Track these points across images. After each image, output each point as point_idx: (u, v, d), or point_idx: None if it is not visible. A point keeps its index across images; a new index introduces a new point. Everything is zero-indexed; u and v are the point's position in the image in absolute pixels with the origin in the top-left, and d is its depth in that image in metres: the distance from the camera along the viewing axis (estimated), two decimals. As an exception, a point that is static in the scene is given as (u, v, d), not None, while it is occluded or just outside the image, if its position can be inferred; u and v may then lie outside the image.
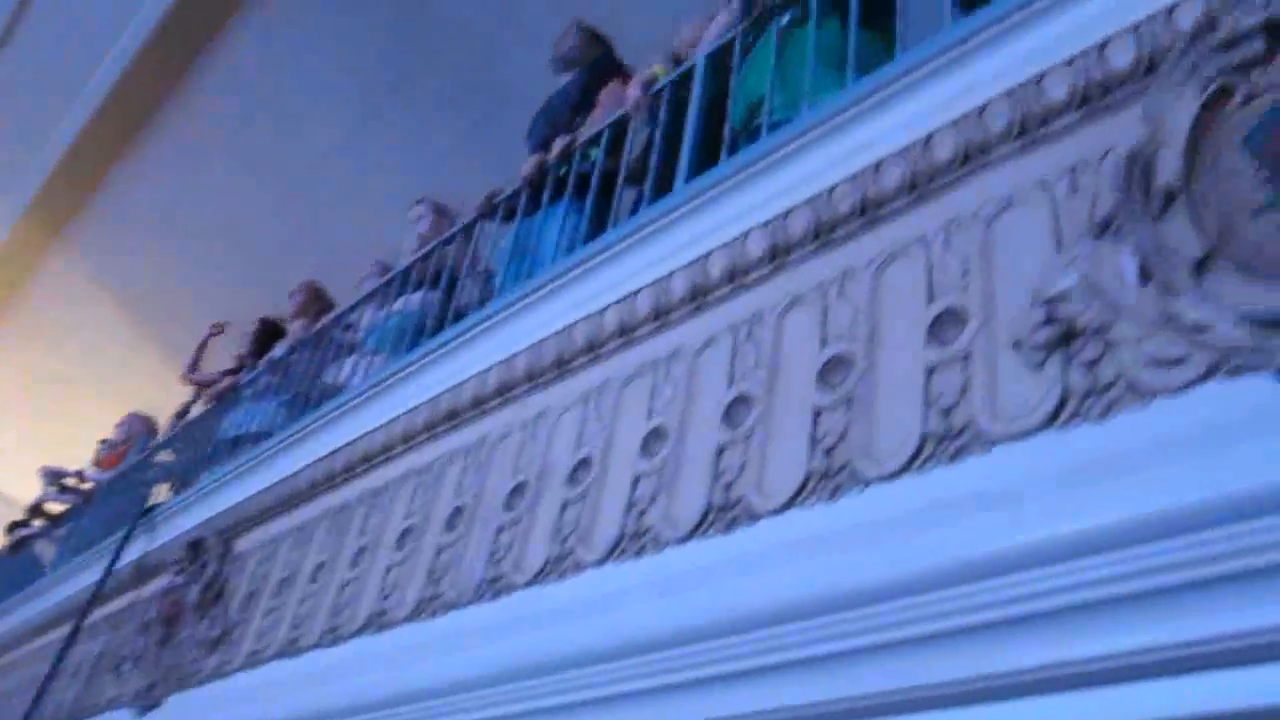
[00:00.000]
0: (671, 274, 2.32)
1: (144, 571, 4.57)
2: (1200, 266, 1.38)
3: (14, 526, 7.44)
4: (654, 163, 2.73)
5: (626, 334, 2.39)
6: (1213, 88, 1.46)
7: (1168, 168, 1.46)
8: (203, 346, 6.12)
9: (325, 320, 4.67)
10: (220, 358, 5.97)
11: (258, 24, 6.84)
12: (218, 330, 6.13)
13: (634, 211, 2.69)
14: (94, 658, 4.61)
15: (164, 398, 7.00)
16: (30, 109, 7.87)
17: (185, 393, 6.35)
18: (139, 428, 6.95)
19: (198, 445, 5.07)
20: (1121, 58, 1.66)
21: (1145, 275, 1.43)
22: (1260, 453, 1.23)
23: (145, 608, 4.32)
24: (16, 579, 6.43)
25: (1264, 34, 1.41)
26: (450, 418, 2.87)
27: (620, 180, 2.98)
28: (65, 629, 4.82)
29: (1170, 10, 1.62)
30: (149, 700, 3.69)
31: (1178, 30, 1.58)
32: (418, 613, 2.54)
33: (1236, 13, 1.45)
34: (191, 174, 7.82)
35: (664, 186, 2.62)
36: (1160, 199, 1.46)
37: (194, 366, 6.05)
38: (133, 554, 4.71)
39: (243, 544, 3.87)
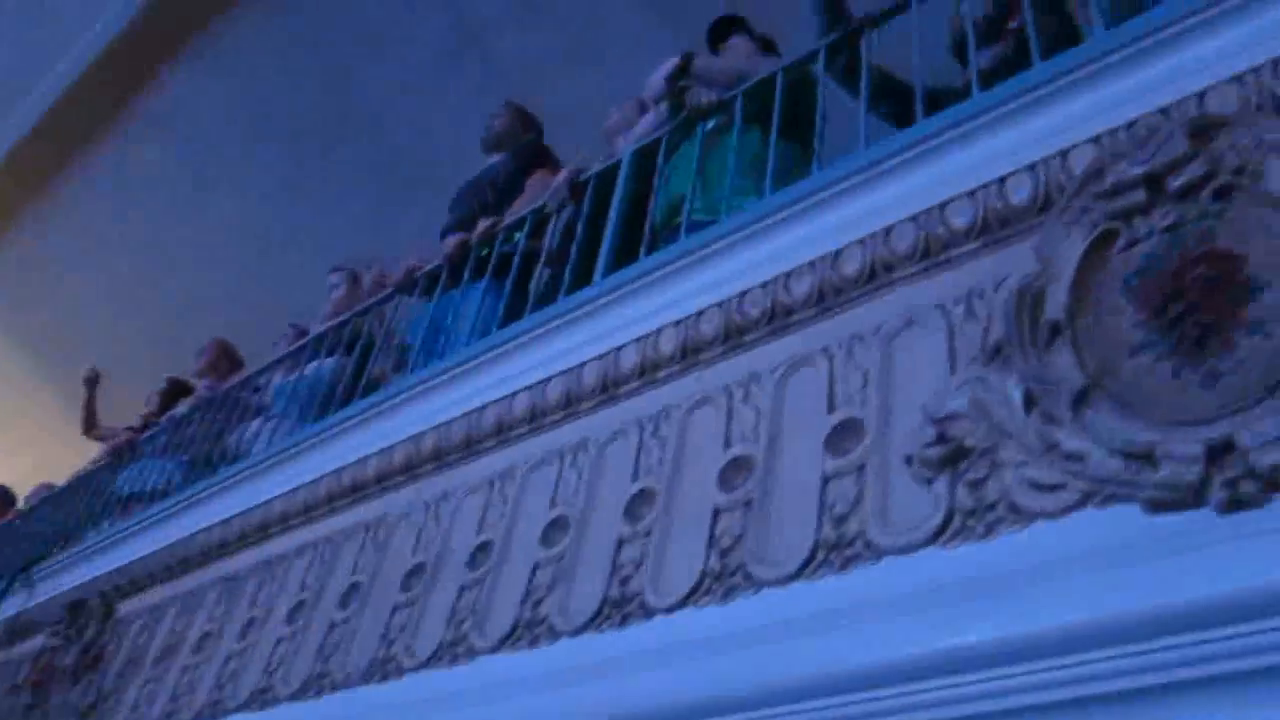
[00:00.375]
0: (584, 364, 2.36)
1: (18, 630, 4.39)
2: (1080, 399, 1.45)
3: None
4: (574, 251, 2.78)
5: (535, 420, 2.41)
6: (1099, 231, 1.56)
7: (1055, 302, 1.55)
8: (90, 401, 5.89)
9: (233, 381, 4.60)
10: (130, 415, 5.78)
11: (186, 79, 6.83)
12: (93, 378, 5.88)
13: (551, 298, 2.73)
14: (-45, 719, 4.39)
15: (60, 450, 6.79)
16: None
17: (81, 444, 6.14)
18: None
19: (89, 500, 4.91)
20: (1020, 194, 1.76)
21: (1030, 403, 1.50)
22: (1127, 581, 1.29)
23: (16, 669, 4.14)
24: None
25: (1144, 185, 1.51)
26: (353, 492, 2.85)
27: (541, 263, 3.03)
28: (-73, 687, 4.58)
29: (1065, 154, 1.73)
30: (11, 768, 3.53)
31: (1071, 173, 1.69)
32: (304, 691, 2.48)
33: (1122, 163, 1.56)
34: (106, 222, 7.69)
35: (583, 275, 2.66)
36: (1047, 332, 1.54)
37: (91, 424, 5.85)
38: (8, 610, 4.52)
39: (126, 608, 3.75)
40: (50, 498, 5.57)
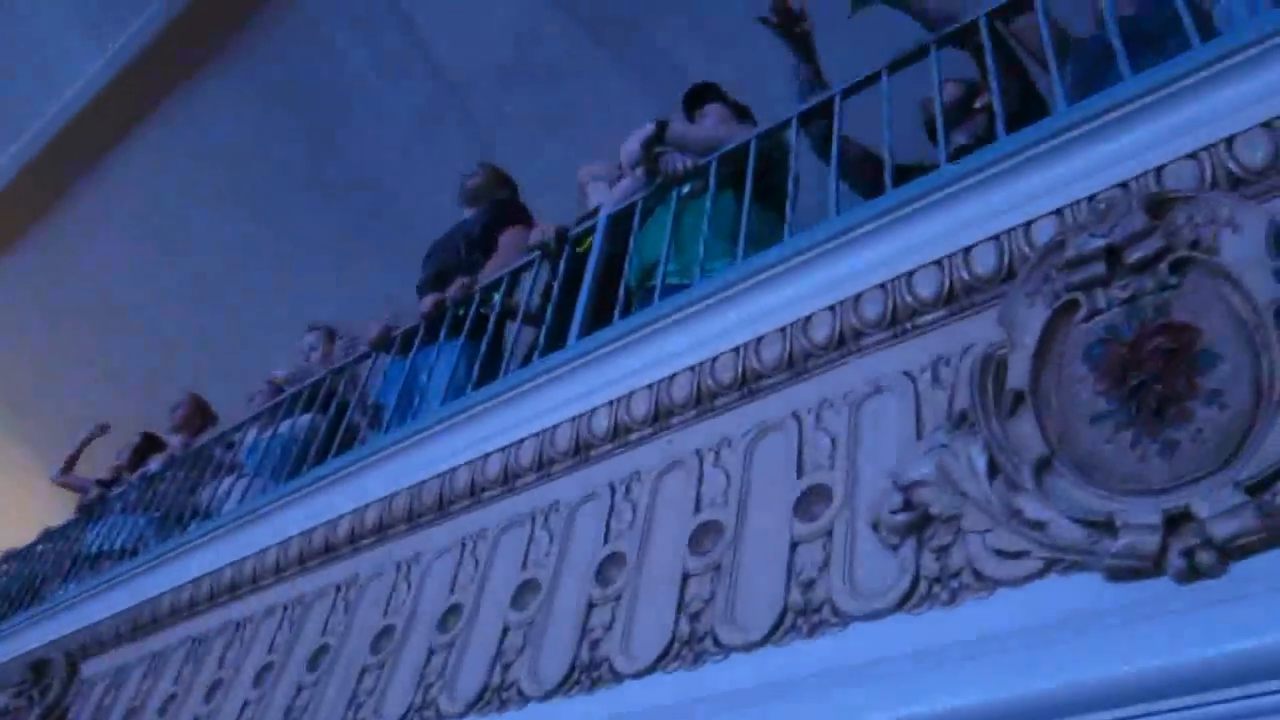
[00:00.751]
0: (557, 426, 2.37)
1: (-21, 691, 4.31)
2: (1042, 466, 1.48)
3: None
4: (550, 313, 2.80)
5: (508, 482, 2.41)
6: (1061, 301, 1.59)
7: (1018, 371, 1.58)
8: (83, 446, 5.82)
9: (205, 437, 4.58)
10: (98, 467, 5.72)
11: (161, 139, 6.86)
12: (101, 432, 5.84)
13: (526, 358, 2.75)
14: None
15: (29, 499, 6.71)
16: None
17: (51, 496, 6.06)
18: None
19: (56, 557, 4.84)
20: (985, 264, 1.80)
21: (994, 470, 1.52)
22: (1090, 649, 1.31)
23: (-24, 730, 4.06)
24: None
25: (1105, 258, 1.54)
26: (324, 552, 2.83)
27: (517, 322, 3.04)
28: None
29: (1029, 225, 1.77)
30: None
31: (1034, 244, 1.73)
32: (268, 756, 2.45)
33: (1083, 236, 1.59)
34: (74, 278, 7.67)
35: (558, 337, 2.68)
36: (1010, 400, 1.57)
37: (70, 467, 5.77)
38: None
39: (91, 668, 3.69)
40: (16, 554, 5.48)
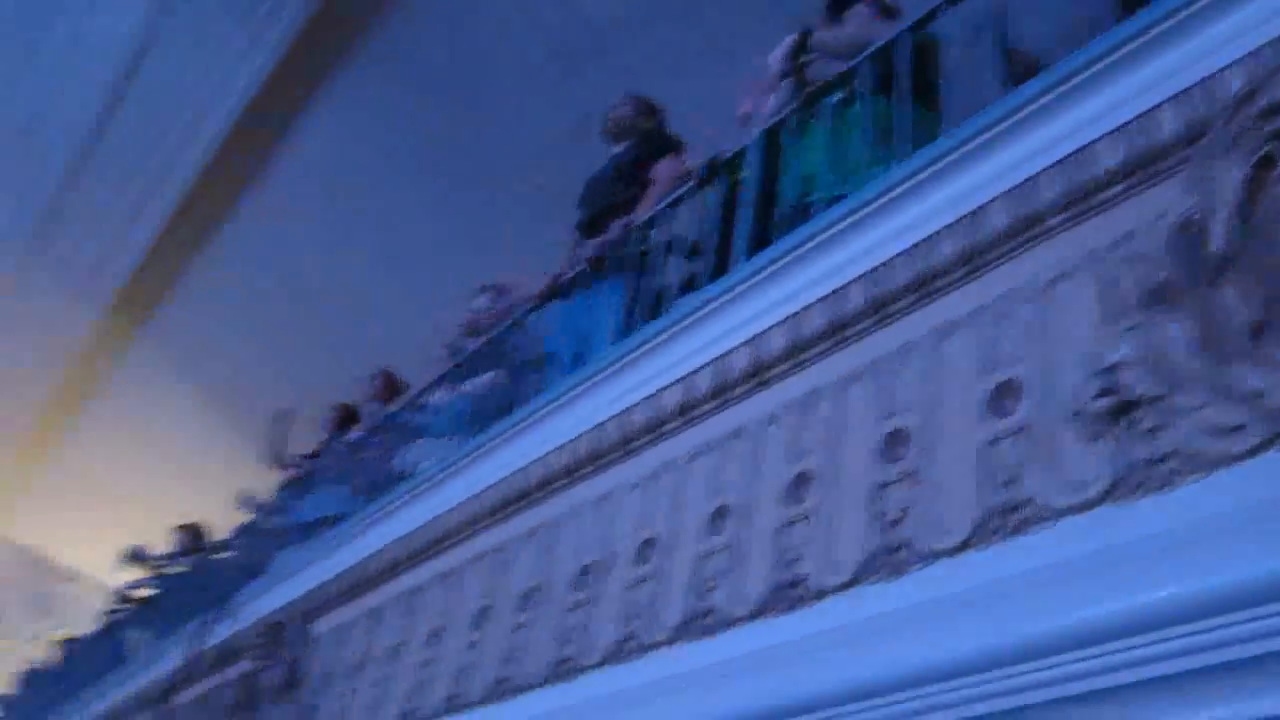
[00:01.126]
0: (731, 351, 2.34)
1: (226, 655, 4.64)
2: (1255, 333, 1.37)
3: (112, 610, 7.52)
4: (711, 240, 2.77)
5: (687, 413, 2.41)
6: (1259, 155, 1.47)
7: (1217, 235, 1.46)
8: (283, 440, 6.05)
9: (395, 404, 4.76)
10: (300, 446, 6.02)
11: (330, 114, 7.11)
12: (286, 417, 6.06)
13: (687, 288, 2.73)
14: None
15: (241, 481, 7.14)
16: (112, 205, 8.22)
17: (258, 479, 6.41)
18: None
19: (275, 530, 5.16)
20: (1168, 127, 1.67)
21: (1199, 343, 1.43)
22: (1326, 522, 1.21)
23: (225, 692, 4.39)
24: (106, 661, 6.56)
25: (1305, 101, 1.41)
26: (519, 499, 2.91)
27: (682, 254, 3.02)
28: (149, 714, 4.90)
29: (1212, 79, 1.63)
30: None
31: (1221, 99, 1.59)
32: (490, 695, 2.55)
33: (1276, 81, 1.46)
34: (268, 264, 8.09)
35: (721, 262, 2.66)
36: (1212, 266, 1.46)
37: (282, 460, 6.08)
38: (216, 637, 4.79)
39: (320, 626, 3.93)
40: (242, 529, 5.87)
